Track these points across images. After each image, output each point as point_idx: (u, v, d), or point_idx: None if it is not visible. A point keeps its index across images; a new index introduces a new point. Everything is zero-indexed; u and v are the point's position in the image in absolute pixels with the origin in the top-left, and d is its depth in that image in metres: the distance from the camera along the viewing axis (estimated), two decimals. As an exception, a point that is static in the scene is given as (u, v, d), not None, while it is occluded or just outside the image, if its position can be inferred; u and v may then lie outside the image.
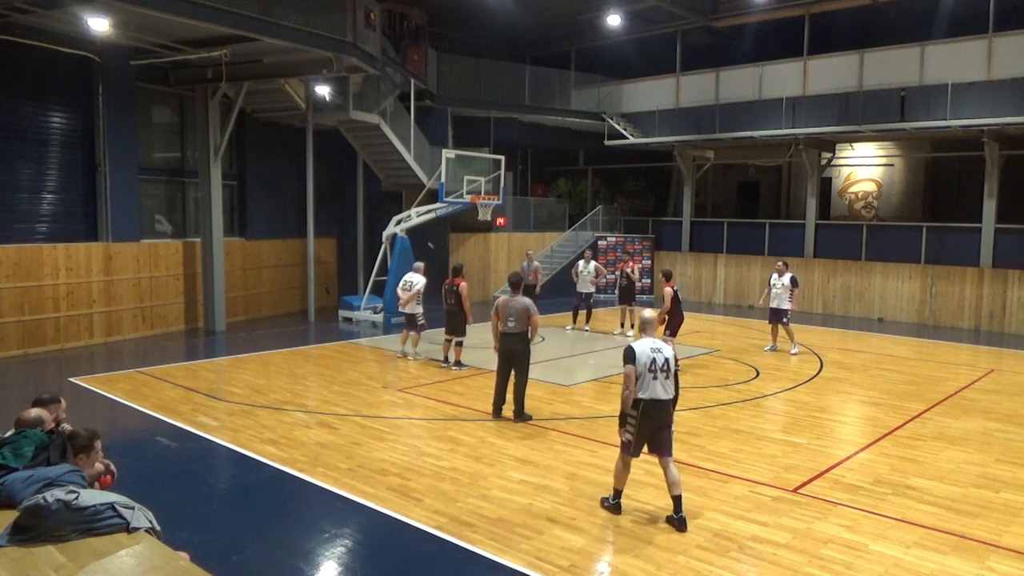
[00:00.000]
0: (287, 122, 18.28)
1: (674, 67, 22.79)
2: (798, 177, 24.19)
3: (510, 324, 8.98)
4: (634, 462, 6.50)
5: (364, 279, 19.35)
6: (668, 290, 12.31)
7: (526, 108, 22.79)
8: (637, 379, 6.15)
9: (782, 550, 5.72)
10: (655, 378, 6.15)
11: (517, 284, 9.41)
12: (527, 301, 9.06)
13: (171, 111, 16.51)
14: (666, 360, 6.23)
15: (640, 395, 6.15)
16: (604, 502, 6.54)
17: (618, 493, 6.48)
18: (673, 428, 6.35)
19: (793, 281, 13.81)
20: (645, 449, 6.32)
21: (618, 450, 6.51)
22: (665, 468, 6.25)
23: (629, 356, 6.22)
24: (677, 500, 6.15)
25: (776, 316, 13.98)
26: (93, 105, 14.17)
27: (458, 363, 12.19)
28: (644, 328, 6.57)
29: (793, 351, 13.90)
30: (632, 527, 6.11)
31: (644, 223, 25.27)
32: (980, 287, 17.83)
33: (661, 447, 6.24)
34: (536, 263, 16.77)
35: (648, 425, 6.20)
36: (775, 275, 13.97)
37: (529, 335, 9.04)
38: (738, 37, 22.24)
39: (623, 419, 6.33)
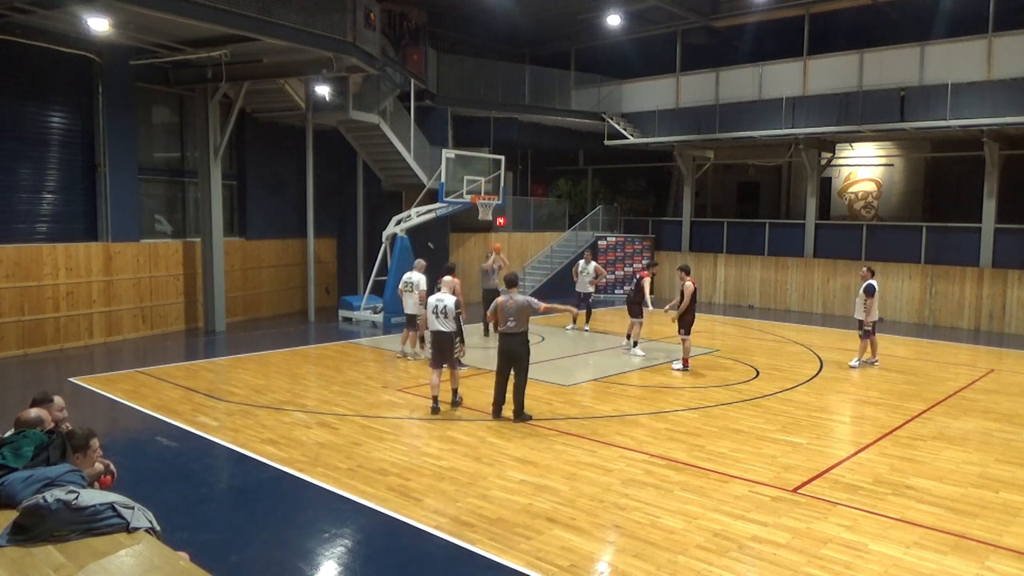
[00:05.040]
0: (287, 122, 18.28)
1: (674, 67, 22.78)
2: (798, 177, 24.20)
3: (510, 324, 8.98)
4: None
5: (364, 279, 19.35)
6: (690, 285, 12.11)
7: (526, 108, 22.79)
8: (427, 320, 9.80)
9: (782, 550, 5.72)
10: (437, 318, 9.61)
11: (514, 282, 9.41)
12: (526, 299, 9.07)
13: (171, 111, 16.51)
14: (445, 307, 9.61)
15: (430, 328, 9.72)
16: (432, 409, 9.44)
17: (435, 399, 9.49)
18: (458, 352, 10.10)
19: (867, 290, 12.73)
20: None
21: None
22: (451, 374, 9.75)
23: (426, 305, 10.03)
24: (455, 392, 9.81)
25: (860, 327, 12.96)
26: (93, 105, 14.17)
27: (458, 363, 12.18)
28: (444, 287, 10.15)
29: (853, 362, 12.92)
30: (632, 527, 6.11)
31: (644, 223, 25.26)
32: (980, 287, 17.84)
33: (447, 361, 9.62)
34: (502, 263, 15.19)
35: (436, 346, 9.62)
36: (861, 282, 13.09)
37: (554, 313, 9.49)
38: (738, 37, 22.23)
39: (421, 339, 11.37)
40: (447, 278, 10.51)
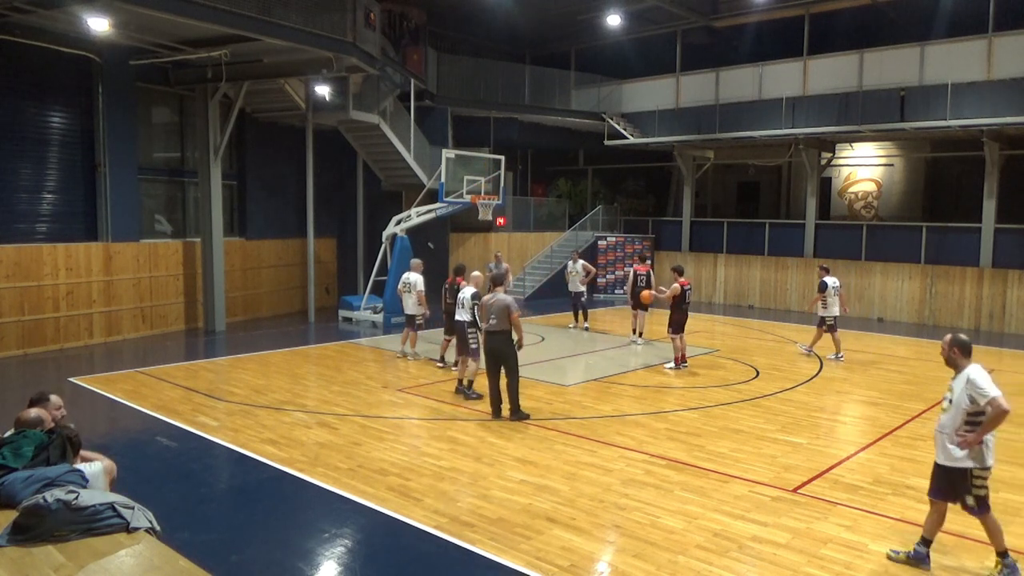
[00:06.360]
0: (287, 122, 18.28)
1: (674, 67, 22.78)
2: (798, 177, 24.19)
3: (492, 322, 9.06)
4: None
5: (364, 279, 19.36)
6: (675, 286, 12.39)
7: (526, 108, 22.79)
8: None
9: (782, 550, 5.72)
10: (460, 308, 10.52)
11: (499, 281, 9.62)
12: (507, 299, 9.10)
13: (171, 111, 16.51)
14: (464, 299, 10.44)
15: (457, 318, 10.64)
16: (470, 395, 10.10)
17: (470, 383, 10.24)
18: (473, 342, 10.34)
19: (819, 286, 13.66)
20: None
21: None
22: (463, 362, 10.42)
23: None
24: (460, 382, 10.35)
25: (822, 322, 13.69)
26: (93, 105, 14.17)
27: (476, 353, 12.18)
28: (470, 282, 10.71)
29: (802, 347, 14.22)
30: (632, 527, 6.12)
31: (644, 223, 25.26)
32: (980, 287, 17.83)
33: (463, 351, 10.42)
34: (506, 265, 15.94)
35: (459, 336, 10.55)
36: None
37: (513, 335, 9.05)
38: (738, 37, 22.23)
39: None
40: (474, 273, 11.12)
